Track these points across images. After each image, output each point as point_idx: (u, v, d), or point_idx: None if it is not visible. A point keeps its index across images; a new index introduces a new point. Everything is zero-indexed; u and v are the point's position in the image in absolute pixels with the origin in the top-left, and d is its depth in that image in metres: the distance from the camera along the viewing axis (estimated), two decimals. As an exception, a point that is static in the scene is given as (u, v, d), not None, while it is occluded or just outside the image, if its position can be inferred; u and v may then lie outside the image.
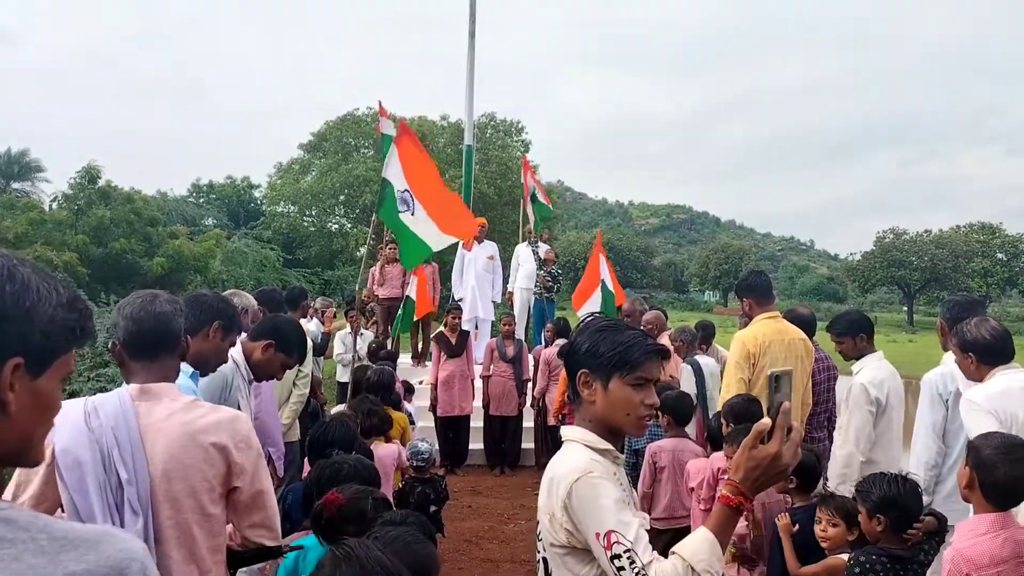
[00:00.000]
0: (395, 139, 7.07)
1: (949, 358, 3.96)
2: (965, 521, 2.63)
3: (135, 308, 2.21)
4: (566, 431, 2.03)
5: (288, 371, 5.43)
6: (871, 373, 4.44)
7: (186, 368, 2.69)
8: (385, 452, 4.59)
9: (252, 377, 3.48)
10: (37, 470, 2.07)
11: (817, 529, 3.32)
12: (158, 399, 2.15)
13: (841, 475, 4.29)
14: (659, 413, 4.97)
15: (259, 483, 2.22)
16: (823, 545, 3.30)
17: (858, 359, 4.55)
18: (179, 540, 2.08)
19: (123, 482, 2.02)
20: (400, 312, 8.61)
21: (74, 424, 2.06)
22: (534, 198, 12.67)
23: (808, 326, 5.07)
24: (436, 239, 6.98)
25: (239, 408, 3.17)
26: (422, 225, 6.91)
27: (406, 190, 6.86)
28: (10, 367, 0.97)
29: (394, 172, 6.93)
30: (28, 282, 0.99)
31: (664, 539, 4.81)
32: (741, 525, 3.91)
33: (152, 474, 2.06)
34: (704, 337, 6.79)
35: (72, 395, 6.40)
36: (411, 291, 8.33)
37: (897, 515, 2.89)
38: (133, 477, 2.03)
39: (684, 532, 4.60)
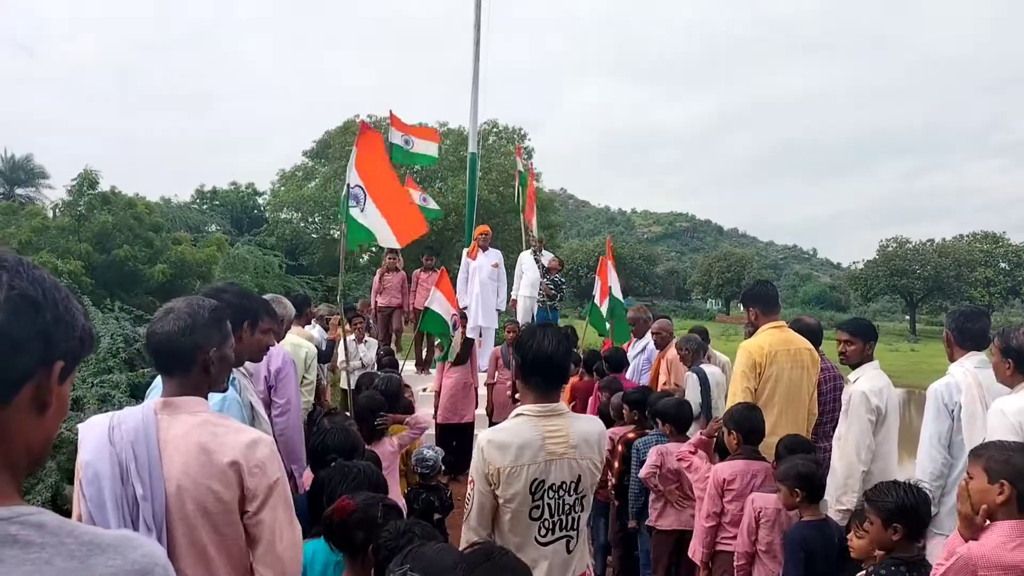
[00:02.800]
0: (357, 139, 6.89)
1: (955, 368, 3.97)
2: (992, 527, 2.58)
3: (151, 325, 2.20)
4: (563, 407, 2.81)
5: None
6: (871, 382, 4.40)
7: None
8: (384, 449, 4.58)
9: (249, 371, 3.43)
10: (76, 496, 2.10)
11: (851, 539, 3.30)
12: (179, 414, 2.12)
13: (843, 487, 4.23)
14: (660, 421, 4.98)
15: (265, 513, 2.12)
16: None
17: (855, 366, 4.53)
18: (195, 558, 2.06)
19: (138, 497, 2.01)
20: (424, 323, 8.43)
21: (98, 438, 2.07)
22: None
23: (815, 336, 5.06)
24: (385, 235, 6.90)
25: (252, 405, 3.14)
26: (371, 221, 6.81)
27: (358, 185, 6.71)
28: (57, 369, 1.01)
29: (352, 173, 6.79)
30: (68, 293, 1.04)
31: (671, 540, 4.82)
32: (745, 542, 3.91)
33: (167, 490, 2.04)
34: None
35: (76, 401, 6.39)
36: (434, 304, 8.11)
37: (913, 523, 2.90)
38: (148, 493, 2.02)
39: (688, 535, 4.63)
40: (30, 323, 0.96)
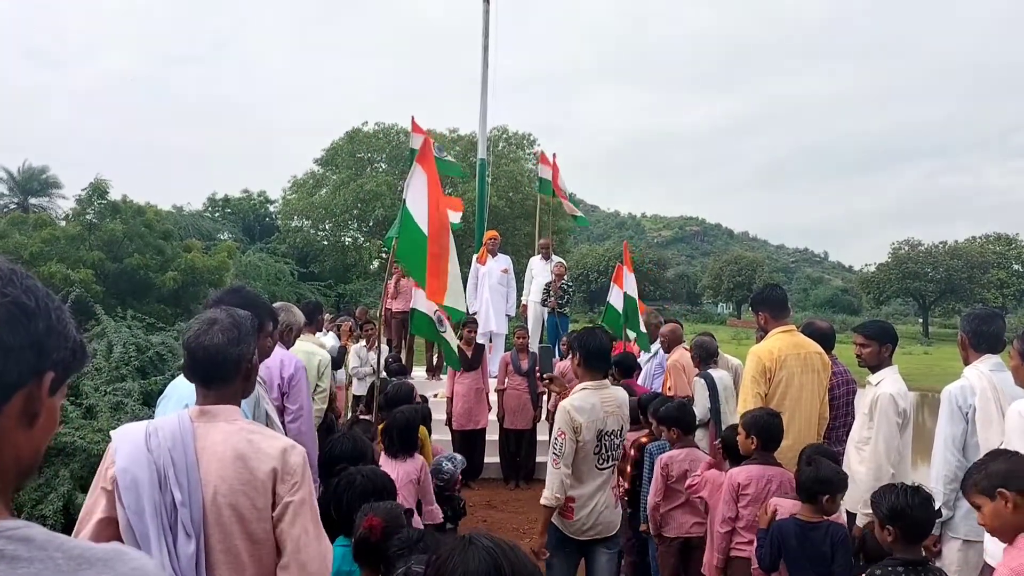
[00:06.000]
0: (418, 158, 6.25)
1: (969, 371, 3.94)
2: (1016, 541, 2.52)
3: (190, 337, 2.21)
4: (607, 382, 4.22)
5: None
6: (896, 385, 4.38)
7: None
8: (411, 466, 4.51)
9: (263, 379, 3.44)
10: (99, 501, 2.09)
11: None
12: (216, 422, 2.14)
13: (872, 490, 4.20)
14: (666, 427, 4.95)
15: (289, 522, 2.11)
16: None
17: (874, 369, 4.51)
18: (230, 565, 2.07)
19: (177, 503, 2.02)
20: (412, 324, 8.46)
21: (135, 445, 2.08)
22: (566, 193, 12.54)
23: (827, 339, 5.03)
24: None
25: (267, 416, 3.13)
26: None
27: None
28: (48, 380, 0.99)
29: (416, 201, 6.04)
30: (61, 304, 1.03)
31: (675, 547, 4.80)
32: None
33: (204, 497, 2.05)
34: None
35: (89, 409, 6.41)
36: (418, 304, 8.18)
37: (907, 526, 2.90)
38: (187, 499, 2.03)
39: (695, 541, 4.61)
40: (23, 331, 0.95)
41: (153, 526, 2.01)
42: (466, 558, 1.42)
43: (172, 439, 2.08)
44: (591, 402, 4.01)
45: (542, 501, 4.04)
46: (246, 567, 2.08)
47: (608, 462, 4.12)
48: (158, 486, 2.03)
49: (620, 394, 4.25)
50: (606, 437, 4.06)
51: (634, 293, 8.69)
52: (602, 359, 4.16)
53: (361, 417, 6.34)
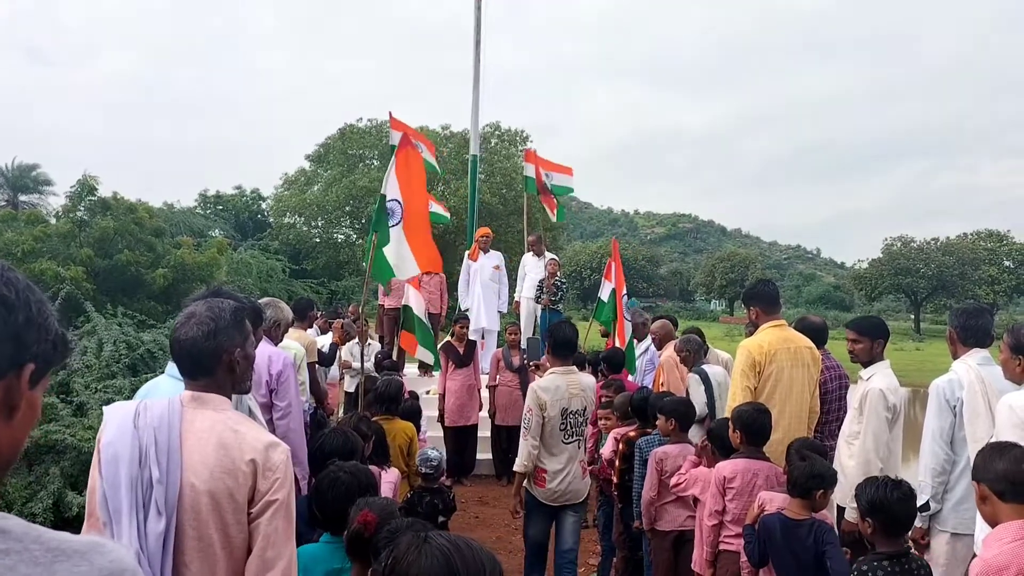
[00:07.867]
0: (396, 151, 6.65)
1: (958, 365, 3.97)
2: (990, 533, 2.56)
3: (174, 332, 2.22)
4: (574, 368, 4.93)
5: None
6: (887, 380, 4.39)
7: None
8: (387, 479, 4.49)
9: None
10: (96, 480, 2.11)
11: None
12: (204, 409, 2.15)
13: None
14: (664, 418, 4.96)
15: (264, 520, 2.08)
16: None
17: (866, 364, 4.53)
18: (200, 553, 2.05)
19: (153, 480, 2.02)
20: (402, 320, 8.51)
21: (122, 420, 2.11)
22: (549, 187, 12.40)
23: (820, 334, 5.05)
24: (407, 266, 6.66)
25: (250, 411, 3.12)
26: (397, 247, 6.53)
27: (395, 200, 6.47)
28: (27, 372, 0.99)
29: (390, 184, 6.52)
30: (43, 297, 1.02)
31: (668, 540, 4.82)
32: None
33: (183, 481, 2.05)
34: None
35: (80, 407, 6.39)
36: (410, 301, 8.22)
37: (886, 519, 2.93)
38: (164, 477, 2.03)
39: (686, 534, 4.62)
40: (1, 323, 0.95)
41: (127, 500, 2.01)
42: (419, 557, 1.42)
43: (159, 419, 2.09)
44: (556, 384, 4.72)
45: (515, 468, 4.86)
46: (218, 559, 2.07)
47: (573, 437, 4.81)
48: (138, 461, 2.04)
49: (585, 379, 4.97)
50: (570, 415, 4.74)
51: (617, 286, 8.79)
52: (567, 348, 4.86)
53: (363, 415, 6.34)
